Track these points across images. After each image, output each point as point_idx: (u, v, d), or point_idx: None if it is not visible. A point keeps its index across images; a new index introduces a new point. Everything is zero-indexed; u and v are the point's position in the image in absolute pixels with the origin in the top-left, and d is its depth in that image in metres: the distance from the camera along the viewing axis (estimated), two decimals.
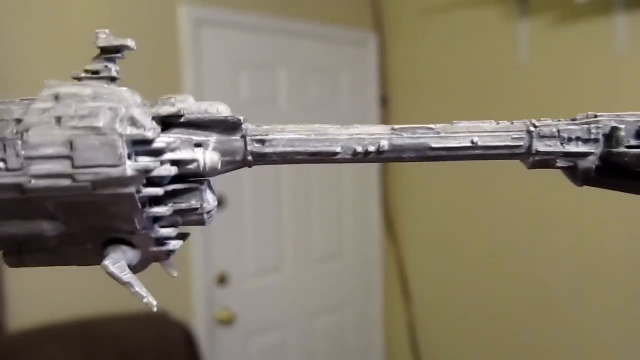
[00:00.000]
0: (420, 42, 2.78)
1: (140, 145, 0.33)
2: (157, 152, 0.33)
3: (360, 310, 2.97)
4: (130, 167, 0.31)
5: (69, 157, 0.31)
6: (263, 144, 0.38)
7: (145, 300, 0.35)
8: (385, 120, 2.88)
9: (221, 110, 0.37)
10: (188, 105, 0.36)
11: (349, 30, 2.83)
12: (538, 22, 2.27)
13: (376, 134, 0.39)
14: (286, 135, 0.39)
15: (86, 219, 0.34)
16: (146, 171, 0.32)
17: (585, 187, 0.40)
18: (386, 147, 0.39)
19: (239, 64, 2.46)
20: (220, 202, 2.41)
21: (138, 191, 0.32)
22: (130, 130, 0.32)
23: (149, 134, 0.33)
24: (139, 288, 0.35)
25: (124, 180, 0.31)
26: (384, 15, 2.91)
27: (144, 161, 0.33)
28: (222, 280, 2.44)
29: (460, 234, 2.65)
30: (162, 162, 0.34)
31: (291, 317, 2.71)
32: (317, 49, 2.73)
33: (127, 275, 0.34)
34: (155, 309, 0.35)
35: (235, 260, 2.49)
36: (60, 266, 0.38)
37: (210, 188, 0.38)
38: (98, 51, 0.39)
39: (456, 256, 2.68)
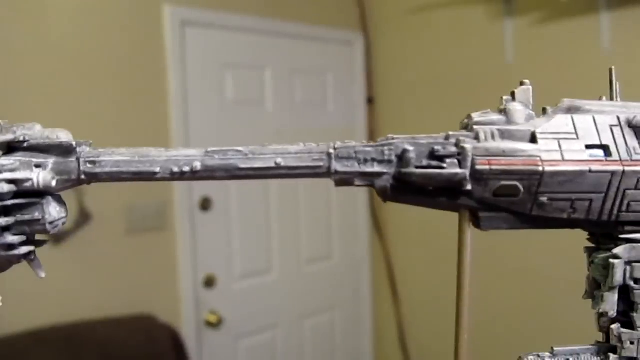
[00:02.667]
0: (407, 42, 2.78)
1: None
2: None
3: (350, 310, 2.97)
4: None
5: None
6: (94, 165, 0.43)
7: None
8: (372, 119, 2.88)
9: (61, 136, 0.42)
10: (33, 132, 0.41)
11: (335, 30, 2.82)
12: (523, 21, 2.27)
13: (191, 156, 0.43)
14: (114, 157, 0.43)
15: None
16: None
17: None
18: (199, 168, 0.43)
19: (224, 65, 2.45)
20: (207, 205, 2.40)
21: None
22: None
23: None
24: None
25: None
26: (370, 16, 2.90)
27: None
28: (209, 283, 2.43)
29: (449, 234, 2.63)
30: None
31: (280, 318, 2.70)
32: (303, 49, 2.72)
33: None
34: None
35: (223, 262, 2.48)
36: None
37: (59, 202, 0.43)
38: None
39: (445, 256, 2.67)
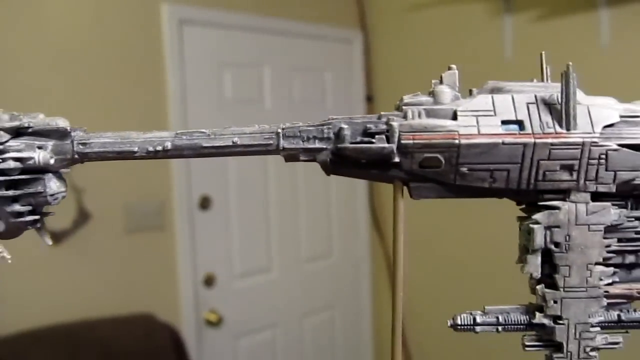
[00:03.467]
0: (405, 40, 2.78)
1: None
2: (1, 152, 0.48)
3: (350, 309, 2.97)
4: None
5: None
6: (85, 146, 0.50)
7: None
8: None
9: (59, 123, 0.49)
10: (37, 120, 0.49)
11: (333, 28, 2.82)
12: (523, 18, 2.27)
13: (163, 137, 0.50)
14: (101, 139, 0.50)
15: None
16: None
17: None
18: (169, 147, 0.49)
19: (223, 63, 2.44)
20: (206, 204, 2.40)
21: None
22: None
23: None
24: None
25: None
26: (368, 13, 2.90)
27: None
28: (209, 282, 2.42)
29: (449, 231, 2.65)
30: (5, 160, 0.47)
31: (280, 317, 2.70)
32: (302, 47, 2.71)
33: None
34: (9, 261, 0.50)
35: (222, 261, 2.48)
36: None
37: (59, 178, 0.51)
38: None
39: (445, 253, 2.68)
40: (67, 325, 1.98)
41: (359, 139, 0.48)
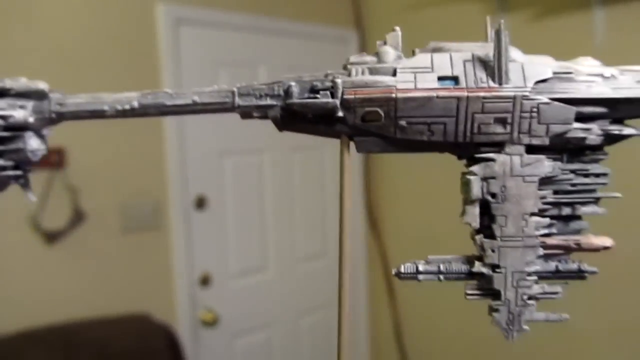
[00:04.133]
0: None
1: None
2: None
3: None
4: None
5: None
6: (61, 106, 0.54)
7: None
8: None
9: (39, 85, 0.54)
10: (19, 83, 0.54)
11: (329, 28, 2.82)
12: (517, 18, 2.28)
13: (130, 97, 0.53)
14: (76, 100, 0.54)
15: None
16: None
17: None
18: (136, 106, 0.53)
19: (218, 63, 2.44)
20: (202, 204, 2.40)
21: None
22: None
23: None
24: None
25: None
26: (364, 13, 2.90)
27: None
28: (205, 281, 2.42)
29: (444, 230, 2.65)
30: None
31: (276, 316, 2.70)
32: (298, 47, 2.71)
33: None
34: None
35: (218, 261, 2.47)
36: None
37: (40, 136, 0.54)
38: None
39: (440, 252, 2.68)
40: (62, 325, 1.97)
41: (306, 95, 0.51)
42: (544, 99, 0.47)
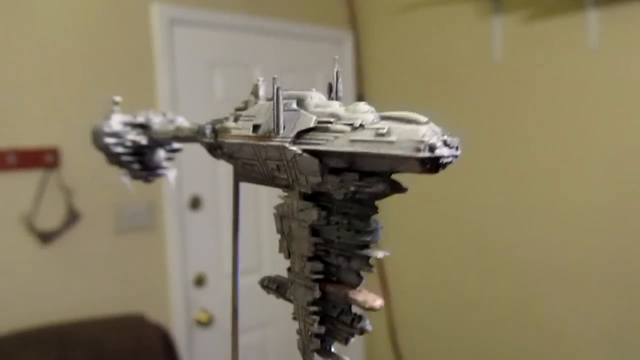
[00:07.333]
0: (396, 40, 2.79)
1: None
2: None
3: None
4: None
5: None
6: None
7: None
8: None
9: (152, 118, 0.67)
10: (156, 118, 0.66)
11: (324, 28, 2.82)
12: (512, 19, 2.28)
13: None
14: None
15: None
16: None
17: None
18: None
19: (213, 63, 2.44)
20: (196, 204, 2.40)
21: None
22: None
23: None
24: None
25: None
26: (359, 14, 2.91)
27: None
28: (199, 281, 2.42)
29: (439, 231, 2.66)
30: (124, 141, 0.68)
31: (271, 317, 2.70)
32: (293, 47, 2.71)
33: None
34: None
35: (213, 261, 2.47)
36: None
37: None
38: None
39: (435, 253, 2.69)
40: (57, 325, 1.97)
41: (208, 133, 0.63)
42: (297, 150, 0.46)
